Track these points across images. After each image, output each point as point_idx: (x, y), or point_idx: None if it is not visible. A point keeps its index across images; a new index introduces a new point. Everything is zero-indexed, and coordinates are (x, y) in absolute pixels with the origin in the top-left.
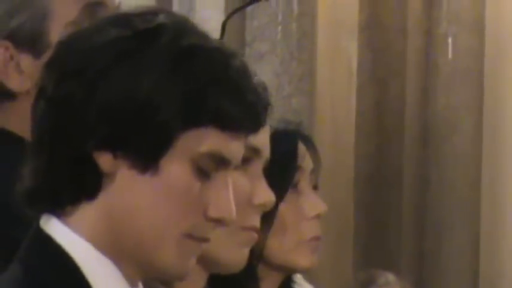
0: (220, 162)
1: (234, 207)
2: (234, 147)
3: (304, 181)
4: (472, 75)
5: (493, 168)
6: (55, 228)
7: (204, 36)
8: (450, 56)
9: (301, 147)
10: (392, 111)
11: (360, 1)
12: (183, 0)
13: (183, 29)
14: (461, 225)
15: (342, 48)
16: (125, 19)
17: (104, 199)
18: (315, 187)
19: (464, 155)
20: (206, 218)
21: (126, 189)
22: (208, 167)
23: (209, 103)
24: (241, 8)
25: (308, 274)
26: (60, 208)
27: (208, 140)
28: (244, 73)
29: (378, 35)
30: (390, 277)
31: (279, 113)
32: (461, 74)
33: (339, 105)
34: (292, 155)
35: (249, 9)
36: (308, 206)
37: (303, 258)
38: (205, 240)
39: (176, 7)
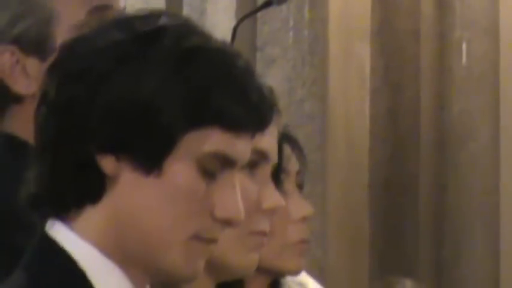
0: (226, 162)
1: (241, 207)
2: (239, 146)
3: (289, 183)
4: (487, 80)
5: (511, 173)
6: (60, 233)
7: (207, 37)
8: (464, 60)
9: (286, 149)
10: (407, 116)
11: (371, 5)
12: (193, 5)
13: (185, 31)
14: (480, 232)
15: (354, 52)
16: (127, 22)
17: (108, 202)
18: (301, 188)
19: (482, 160)
20: (213, 219)
21: (130, 191)
22: (213, 167)
23: (212, 103)
24: (252, 13)
25: (324, 279)
26: (64, 212)
27: (212, 140)
28: (248, 73)
29: (391, 40)
30: (408, 284)
31: (291, 118)
32: (476, 79)
33: (352, 109)
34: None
35: (260, 14)
36: (294, 209)
37: (289, 262)
38: (213, 241)
39: (187, 12)
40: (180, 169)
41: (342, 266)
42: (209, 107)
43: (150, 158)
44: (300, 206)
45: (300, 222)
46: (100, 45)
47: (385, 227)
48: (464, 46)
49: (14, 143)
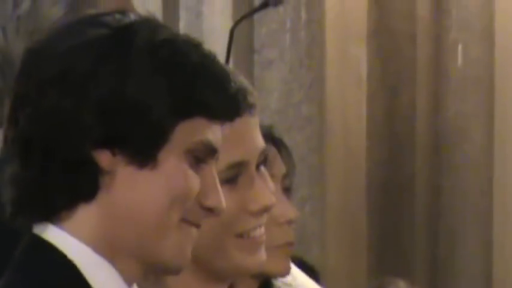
0: (210, 151)
1: (223, 197)
2: (218, 135)
3: (275, 186)
4: (482, 83)
5: (504, 175)
6: (52, 234)
7: (171, 30)
8: (460, 63)
9: (271, 152)
10: (404, 118)
11: (368, 8)
12: (190, 7)
13: (154, 26)
14: (473, 231)
15: (351, 55)
16: (97, 19)
17: (103, 199)
18: (288, 191)
19: (476, 162)
20: (200, 206)
21: (127, 185)
22: (201, 157)
23: (196, 95)
24: (249, 15)
25: (323, 279)
26: (54, 214)
27: (199, 130)
28: (217, 62)
29: (387, 42)
30: (401, 285)
31: (288, 120)
32: (471, 81)
33: (350, 112)
34: None
35: (257, 16)
36: (278, 212)
37: (274, 264)
38: (197, 225)
39: (183, 14)
40: (173, 160)
41: (340, 266)
42: (194, 99)
43: (145, 152)
44: (285, 209)
45: (285, 225)
46: (75, 44)
47: (383, 228)
48: (459, 48)
49: None
